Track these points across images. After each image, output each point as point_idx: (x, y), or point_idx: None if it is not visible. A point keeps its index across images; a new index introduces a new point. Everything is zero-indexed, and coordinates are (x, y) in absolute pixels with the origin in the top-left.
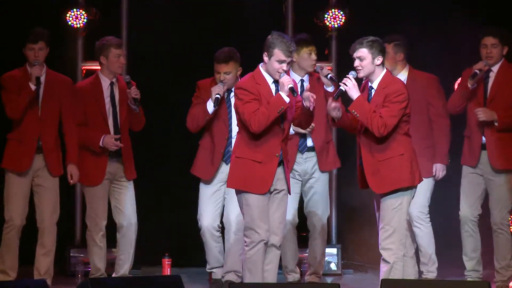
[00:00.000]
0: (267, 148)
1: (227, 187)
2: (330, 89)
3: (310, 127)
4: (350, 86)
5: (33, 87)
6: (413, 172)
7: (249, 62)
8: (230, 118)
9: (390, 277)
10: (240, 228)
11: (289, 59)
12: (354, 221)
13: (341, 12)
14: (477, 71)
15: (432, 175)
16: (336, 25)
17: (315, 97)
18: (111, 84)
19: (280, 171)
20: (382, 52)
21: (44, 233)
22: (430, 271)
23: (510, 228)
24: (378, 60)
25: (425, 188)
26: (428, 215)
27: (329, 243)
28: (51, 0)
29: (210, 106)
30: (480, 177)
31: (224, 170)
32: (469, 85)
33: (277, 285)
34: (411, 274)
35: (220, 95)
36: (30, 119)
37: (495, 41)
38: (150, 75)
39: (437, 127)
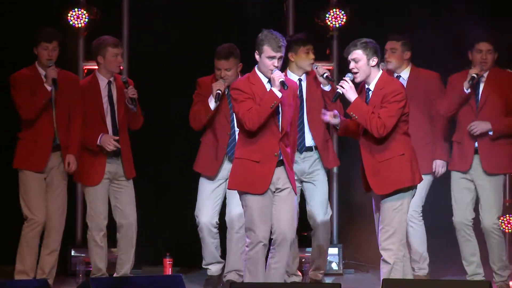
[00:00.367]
0: (265, 147)
1: (228, 188)
2: (327, 88)
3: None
4: (347, 88)
5: (49, 88)
6: (413, 172)
7: (249, 62)
8: (232, 114)
9: (390, 277)
10: (242, 226)
11: (278, 54)
12: (355, 221)
13: (342, 12)
14: (475, 75)
15: (431, 172)
16: (337, 25)
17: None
18: (109, 83)
19: (281, 170)
20: (376, 53)
21: (51, 232)
22: (422, 268)
23: (506, 229)
24: (373, 61)
25: (421, 186)
26: (421, 214)
27: (330, 243)
28: None
29: (211, 103)
30: (470, 182)
31: (227, 167)
32: (465, 89)
33: (277, 285)
34: (408, 273)
35: (221, 90)
36: (44, 119)
37: (490, 47)
38: (150, 74)
39: (438, 123)
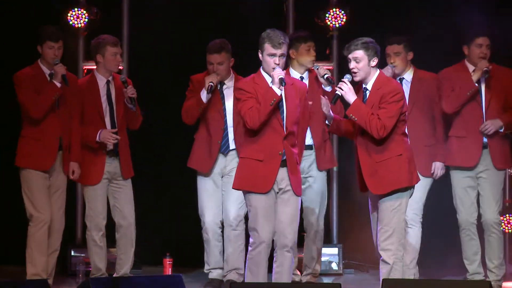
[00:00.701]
0: (269, 146)
1: (232, 187)
2: (328, 88)
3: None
4: (346, 90)
5: (59, 85)
6: (411, 172)
7: (250, 62)
8: (225, 109)
9: (390, 277)
10: (239, 223)
11: (279, 52)
12: (355, 221)
13: (342, 12)
14: (487, 69)
15: (431, 175)
16: (337, 25)
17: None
18: (107, 82)
19: (285, 171)
20: (377, 53)
21: (53, 233)
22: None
23: (506, 229)
24: (374, 62)
25: (422, 189)
26: (422, 219)
27: (330, 243)
28: None
29: (203, 95)
30: (472, 180)
31: (221, 162)
32: (476, 84)
33: (277, 285)
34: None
35: (213, 83)
36: (50, 117)
37: (489, 42)
38: (150, 74)
39: (440, 125)
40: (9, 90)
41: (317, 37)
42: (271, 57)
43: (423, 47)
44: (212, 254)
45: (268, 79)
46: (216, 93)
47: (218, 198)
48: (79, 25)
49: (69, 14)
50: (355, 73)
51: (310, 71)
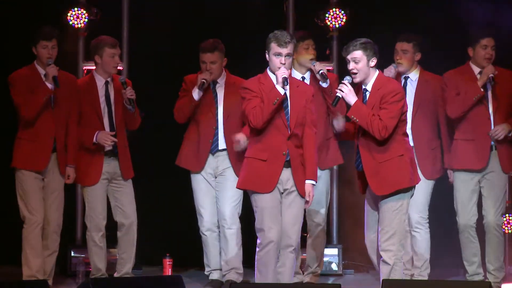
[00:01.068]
0: (272, 146)
1: (236, 187)
2: (324, 84)
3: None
4: (346, 92)
5: (50, 86)
6: (412, 172)
7: (250, 62)
8: (217, 108)
9: (390, 278)
10: (234, 221)
11: (285, 51)
12: (355, 221)
13: (342, 12)
14: (493, 75)
15: (436, 178)
16: (337, 25)
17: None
18: (106, 83)
19: (290, 171)
20: (376, 53)
21: (50, 234)
22: (422, 276)
23: (505, 229)
24: (372, 62)
25: (426, 192)
26: (428, 220)
27: (330, 243)
28: None
29: (195, 93)
30: (477, 183)
31: (212, 162)
32: (482, 89)
33: (277, 285)
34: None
35: (206, 80)
36: (44, 118)
37: (494, 43)
38: (150, 75)
39: (445, 129)
40: (7, 91)
41: (317, 37)
42: (277, 57)
43: (423, 47)
44: (211, 255)
45: (274, 79)
46: (209, 92)
47: (214, 197)
48: (79, 25)
49: (69, 14)
50: (354, 73)
51: (311, 71)
